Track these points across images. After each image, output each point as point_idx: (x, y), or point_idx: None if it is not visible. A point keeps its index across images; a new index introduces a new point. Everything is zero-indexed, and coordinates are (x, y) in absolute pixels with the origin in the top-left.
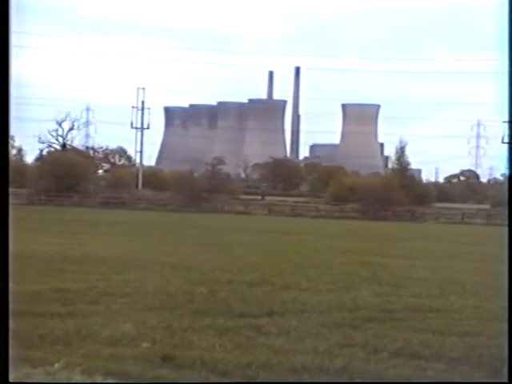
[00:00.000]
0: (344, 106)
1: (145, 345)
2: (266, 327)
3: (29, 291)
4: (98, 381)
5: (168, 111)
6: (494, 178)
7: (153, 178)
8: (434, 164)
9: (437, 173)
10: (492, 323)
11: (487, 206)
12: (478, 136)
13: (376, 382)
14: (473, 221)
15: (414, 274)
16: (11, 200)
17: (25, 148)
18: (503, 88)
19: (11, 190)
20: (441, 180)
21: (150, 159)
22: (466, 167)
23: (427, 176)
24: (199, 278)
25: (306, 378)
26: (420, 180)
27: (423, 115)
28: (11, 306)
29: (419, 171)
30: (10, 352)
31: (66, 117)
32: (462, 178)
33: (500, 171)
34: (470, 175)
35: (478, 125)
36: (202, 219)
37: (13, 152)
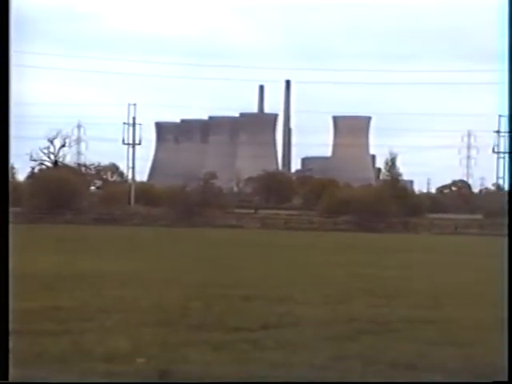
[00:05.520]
0: (335, 119)
1: (140, 360)
2: (261, 341)
3: (24, 310)
4: None
5: (159, 126)
6: (486, 188)
7: (145, 194)
8: (426, 175)
9: (429, 183)
10: (487, 333)
11: (480, 216)
12: (469, 146)
13: (375, 381)
14: (466, 231)
15: (408, 285)
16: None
17: (16, 166)
18: (504, 98)
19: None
20: (433, 191)
21: (142, 175)
22: (457, 177)
23: (419, 187)
24: (194, 293)
25: None
26: (412, 191)
27: (414, 126)
28: None
29: (411, 182)
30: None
31: (58, 134)
32: (453, 189)
33: (491, 181)
34: (462, 185)
35: (469, 135)
36: (195, 234)
37: None
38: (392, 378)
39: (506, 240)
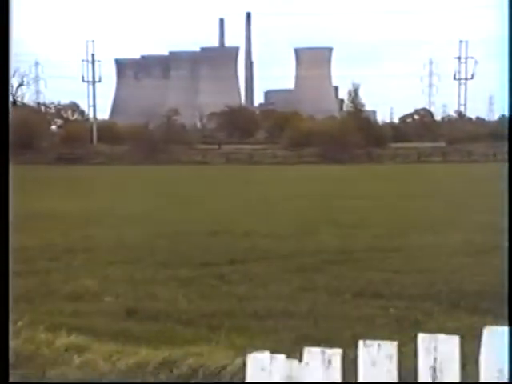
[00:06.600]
0: (296, 51)
1: (108, 299)
2: (228, 275)
3: None
4: (63, 337)
5: (119, 63)
6: (448, 116)
7: (107, 132)
8: (389, 104)
9: (392, 113)
10: (451, 258)
11: (442, 144)
12: (431, 74)
13: (376, 382)
14: (429, 159)
15: (373, 214)
16: None
17: None
18: (503, 81)
19: None
20: (396, 120)
21: (103, 113)
22: (419, 106)
23: (382, 117)
24: (159, 230)
25: (270, 323)
26: (375, 121)
27: (375, 56)
28: None
29: (374, 112)
30: None
31: (15, 72)
32: (416, 117)
33: (453, 108)
34: (424, 114)
35: (430, 63)
36: (160, 171)
37: None
38: (358, 307)
39: (506, 245)
